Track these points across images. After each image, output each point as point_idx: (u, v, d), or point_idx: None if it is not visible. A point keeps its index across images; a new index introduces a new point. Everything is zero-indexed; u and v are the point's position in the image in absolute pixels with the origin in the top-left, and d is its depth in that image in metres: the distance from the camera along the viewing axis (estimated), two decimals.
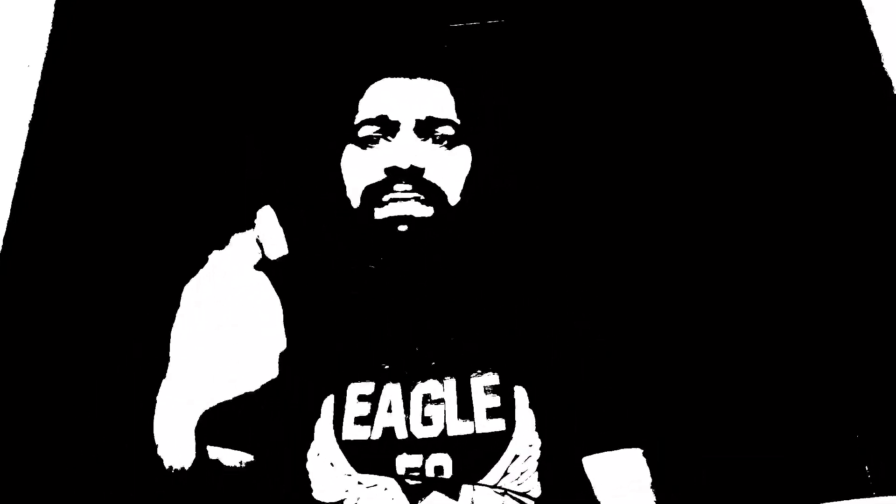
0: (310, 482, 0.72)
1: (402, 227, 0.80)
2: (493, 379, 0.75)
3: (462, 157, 0.86)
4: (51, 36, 1.25)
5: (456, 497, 0.69)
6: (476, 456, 0.72)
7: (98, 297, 1.12)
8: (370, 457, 0.72)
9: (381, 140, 0.85)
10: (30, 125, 1.20)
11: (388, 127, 0.84)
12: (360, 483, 0.71)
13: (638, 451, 0.75)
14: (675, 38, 1.23)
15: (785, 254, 1.09)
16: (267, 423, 0.73)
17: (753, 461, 0.96)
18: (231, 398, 0.53)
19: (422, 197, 0.81)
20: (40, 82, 1.22)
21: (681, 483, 0.83)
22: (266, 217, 0.59)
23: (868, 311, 1.03)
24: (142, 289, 1.13)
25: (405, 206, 0.80)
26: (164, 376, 1.09)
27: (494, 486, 0.70)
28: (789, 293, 1.07)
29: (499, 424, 0.73)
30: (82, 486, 1.00)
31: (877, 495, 0.89)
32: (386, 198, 0.81)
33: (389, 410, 0.74)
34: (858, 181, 1.11)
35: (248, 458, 0.74)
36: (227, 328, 0.49)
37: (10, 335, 1.08)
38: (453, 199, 0.84)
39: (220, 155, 1.23)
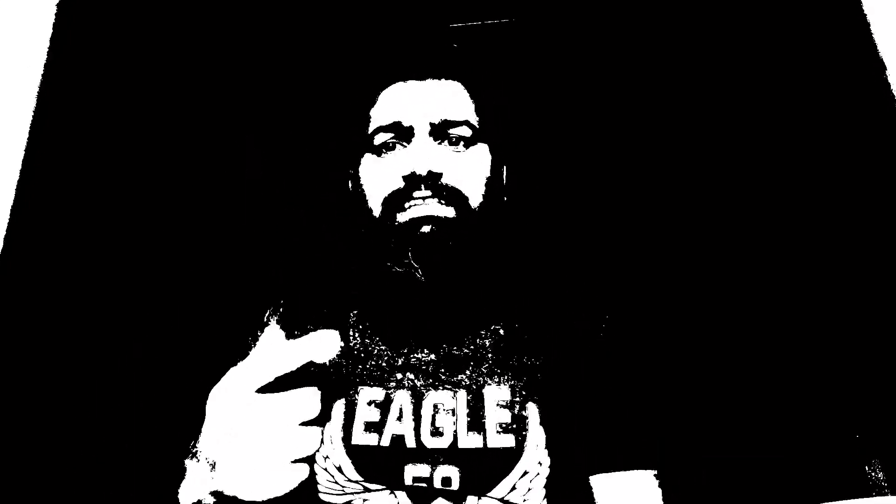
0: (317, 484, 0.72)
1: (426, 228, 0.78)
2: (505, 393, 0.75)
3: (480, 157, 0.84)
4: (52, 37, 1.25)
5: None
6: (484, 470, 0.71)
7: (98, 297, 1.12)
8: (378, 464, 0.72)
9: (398, 146, 0.83)
10: (31, 125, 1.20)
11: (402, 133, 0.83)
12: (365, 488, 0.70)
13: (647, 473, 0.73)
14: (677, 39, 1.23)
15: (785, 254, 1.09)
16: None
17: (753, 461, 0.96)
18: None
19: (443, 200, 0.80)
20: (41, 82, 1.22)
21: (681, 483, 0.83)
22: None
23: (868, 312, 1.03)
24: (142, 289, 1.13)
25: (427, 207, 0.79)
26: (164, 376, 1.09)
27: (501, 500, 0.69)
28: (790, 294, 1.07)
29: (509, 440, 0.72)
30: (82, 486, 1.00)
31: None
32: (407, 204, 0.80)
33: (400, 418, 0.74)
34: (858, 181, 1.11)
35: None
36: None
37: (10, 335, 1.08)
38: (475, 201, 0.82)
39: (220, 155, 1.23)
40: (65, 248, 1.14)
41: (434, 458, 0.72)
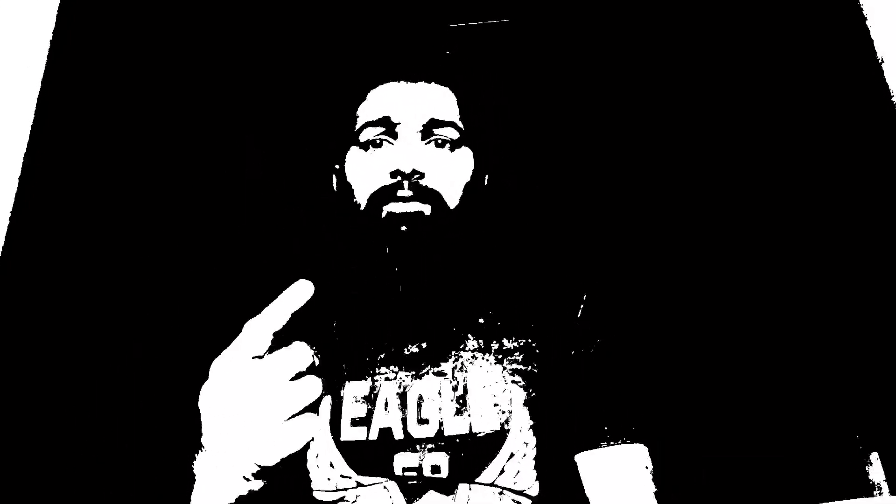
0: (310, 481, 0.72)
1: (404, 227, 0.80)
2: (488, 378, 0.76)
3: (464, 161, 0.86)
4: (53, 38, 1.25)
5: (453, 496, 0.69)
6: (472, 454, 0.72)
7: (98, 297, 1.12)
8: (368, 457, 0.72)
9: (384, 143, 0.85)
10: (31, 125, 1.20)
11: (390, 129, 0.84)
12: (358, 483, 0.71)
13: (633, 447, 0.75)
14: (676, 38, 1.23)
15: (785, 254, 1.09)
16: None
17: (753, 461, 0.96)
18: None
19: (422, 199, 0.81)
20: (42, 83, 1.22)
21: (680, 483, 0.83)
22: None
23: (868, 312, 1.03)
24: (141, 289, 1.13)
25: (406, 205, 0.81)
26: (163, 378, 1.09)
27: (491, 485, 0.70)
28: (790, 294, 1.07)
29: (494, 423, 0.73)
30: (82, 486, 1.00)
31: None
32: (390, 199, 0.81)
33: (386, 410, 0.75)
34: (858, 181, 1.11)
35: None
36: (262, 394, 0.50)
37: (10, 335, 1.08)
38: (452, 202, 0.84)
39: (220, 155, 1.23)
40: (65, 249, 1.14)
41: (422, 447, 0.73)
